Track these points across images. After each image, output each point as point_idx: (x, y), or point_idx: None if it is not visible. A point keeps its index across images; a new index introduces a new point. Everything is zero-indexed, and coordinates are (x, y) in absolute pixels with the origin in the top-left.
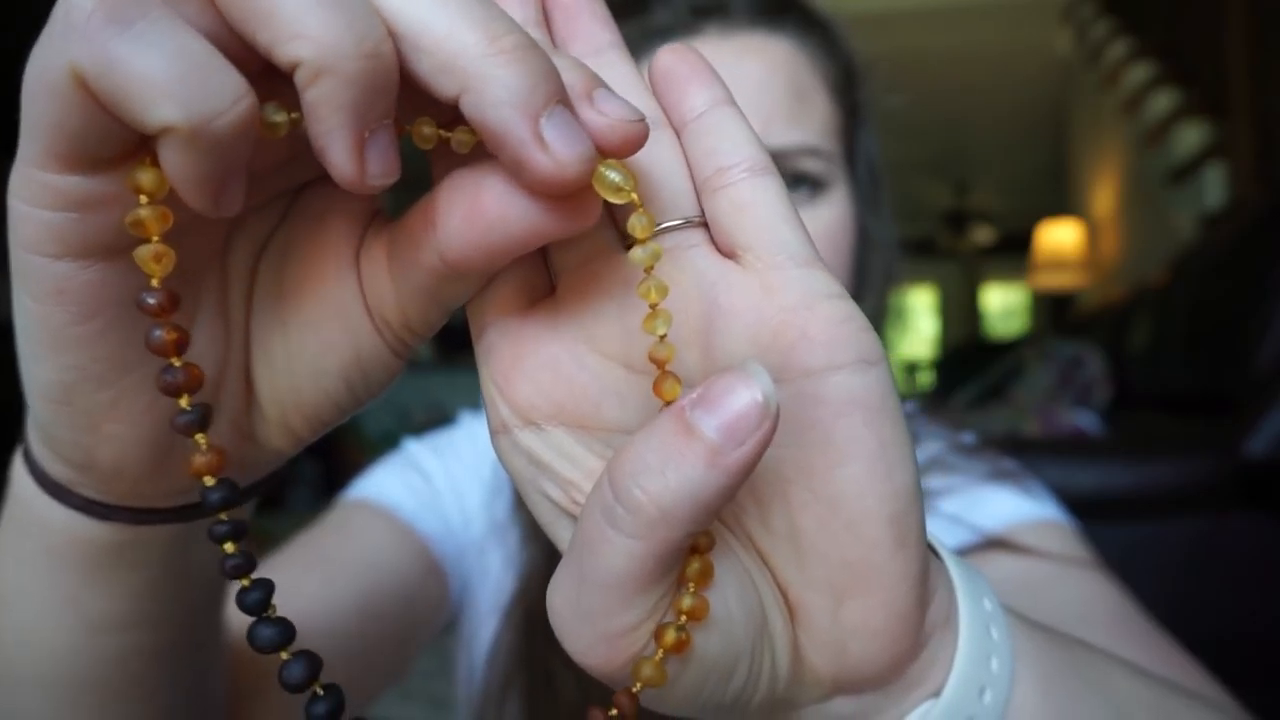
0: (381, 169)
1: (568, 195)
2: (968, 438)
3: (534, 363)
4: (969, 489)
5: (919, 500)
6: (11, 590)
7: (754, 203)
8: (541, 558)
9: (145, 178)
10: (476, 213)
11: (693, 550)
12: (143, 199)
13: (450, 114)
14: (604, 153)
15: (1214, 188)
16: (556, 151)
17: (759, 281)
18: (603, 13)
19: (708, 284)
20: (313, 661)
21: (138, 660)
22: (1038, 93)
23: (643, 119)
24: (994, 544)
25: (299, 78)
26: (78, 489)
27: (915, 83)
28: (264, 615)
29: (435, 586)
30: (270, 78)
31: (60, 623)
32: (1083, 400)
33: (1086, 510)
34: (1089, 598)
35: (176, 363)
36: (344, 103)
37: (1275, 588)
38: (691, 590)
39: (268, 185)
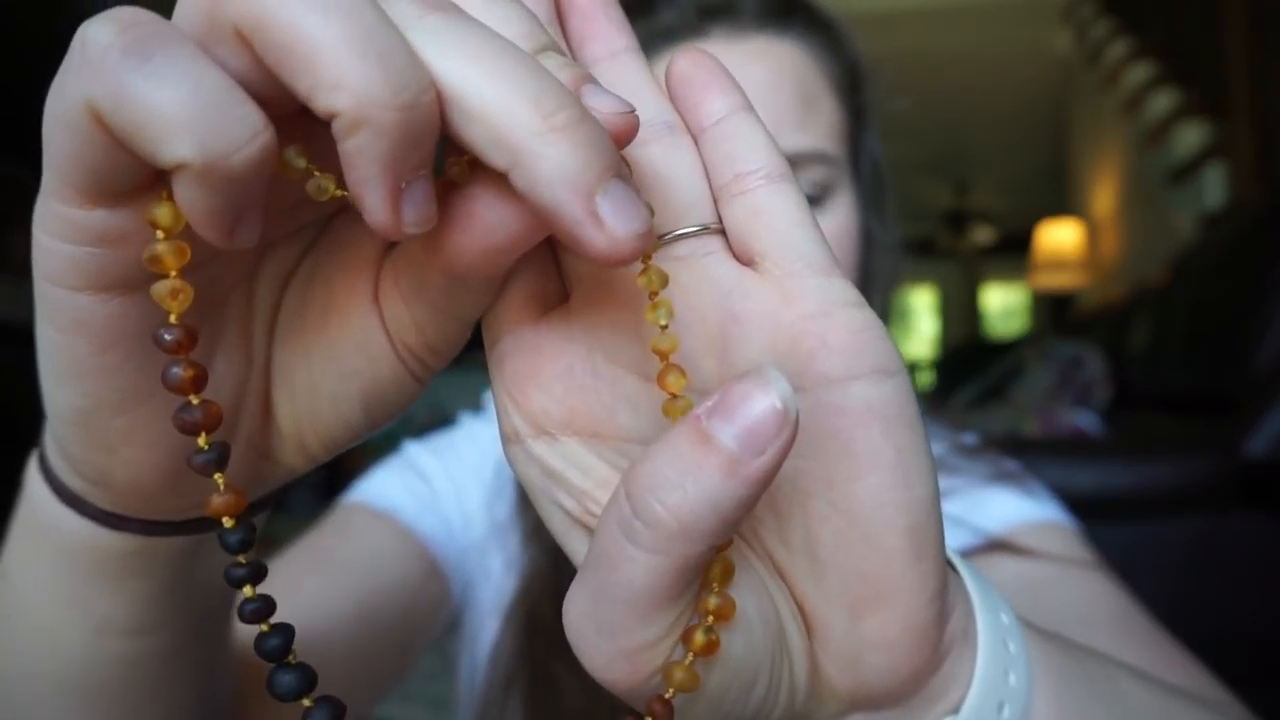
0: (417, 217)
1: None
2: (969, 439)
3: (548, 372)
4: (971, 491)
5: (938, 512)
6: (23, 591)
7: (771, 209)
8: (543, 560)
9: (162, 213)
10: (471, 218)
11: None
12: (159, 234)
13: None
14: None
15: (1214, 188)
16: (612, 229)
17: (777, 289)
18: (618, 17)
19: (724, 291)
20: (336, 708)
21: (147, 664)
22: (1038, 93)
23: (632, 111)
24: (996, 546)
25: (337, 128)
26: (92, 500)
27: (915, 83)
28: (284, 661)
29: (435, 589)
30: (305, 115)
31: (70, 625)
32: (1083, 400)
33: (1086, 510)
34: (1091, 599)
35: (195, 400)
36: (381, 154)
37: (1275, 588)
38: (716, 590)
39: (298, 216)
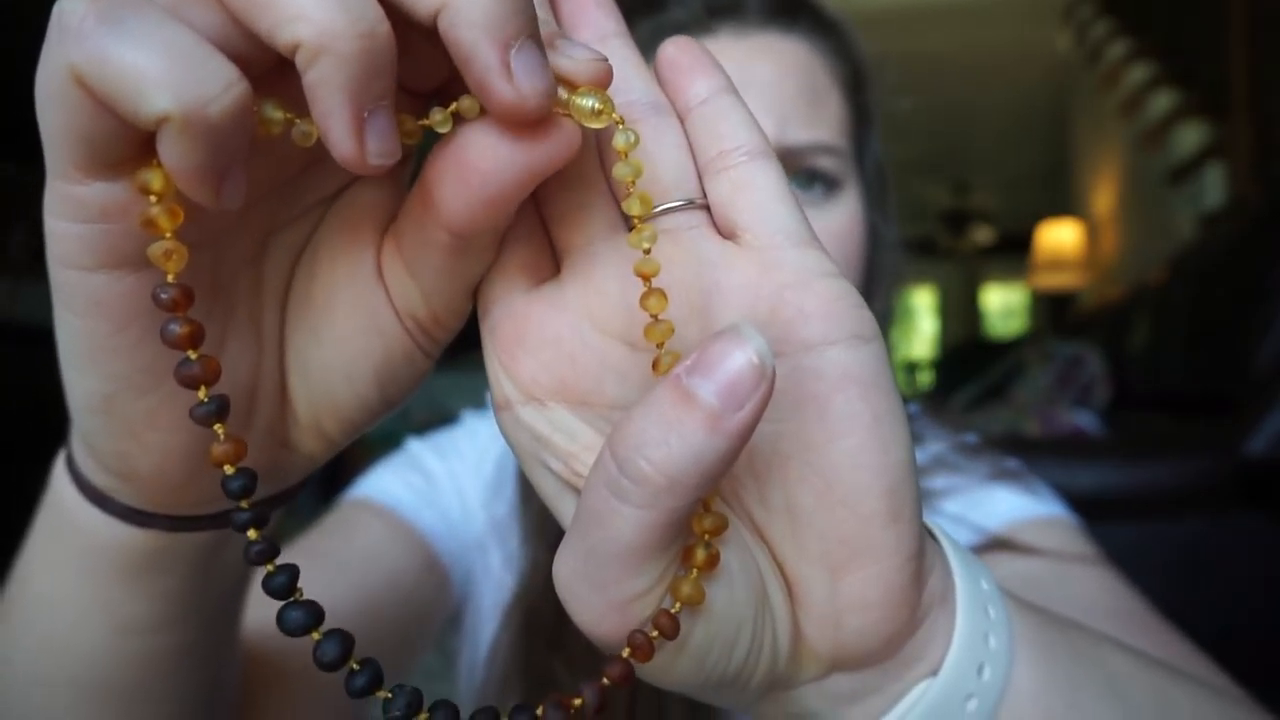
0: (380, 148)
1: (547, 130)
2: (970, 439)
3: (537, 340)
4: (972, 489)
5: (913, 476)
6: (44, 595)
7: (753, 184)
8: (542, 558)
9: (151, 177)
10: (465, 171)
11: (704, 507)
12: (152, 199)
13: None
14: (576, 87)
15: (1213, 188)
16: (520, 83)
17: (757, 260)
18: (608, 3)
19: (708, 263)
20: (345, 639)
21: (162, 661)
22: (1038, 93)
23: (606, 60)
24: (998, 544)
25: (300, 60)
26: (118, 497)
27: (916, 83)
28: (291, 599)
29: (436, 583)
30: (278, 76)
31: (91, 626)
32: (1083, 400)
33: (1086, 510)
34: (1095, 592)
35: (193, 355)
36: (342, 82)
37: (1275, 588)
38: (707, 539)
39: (301, 196)
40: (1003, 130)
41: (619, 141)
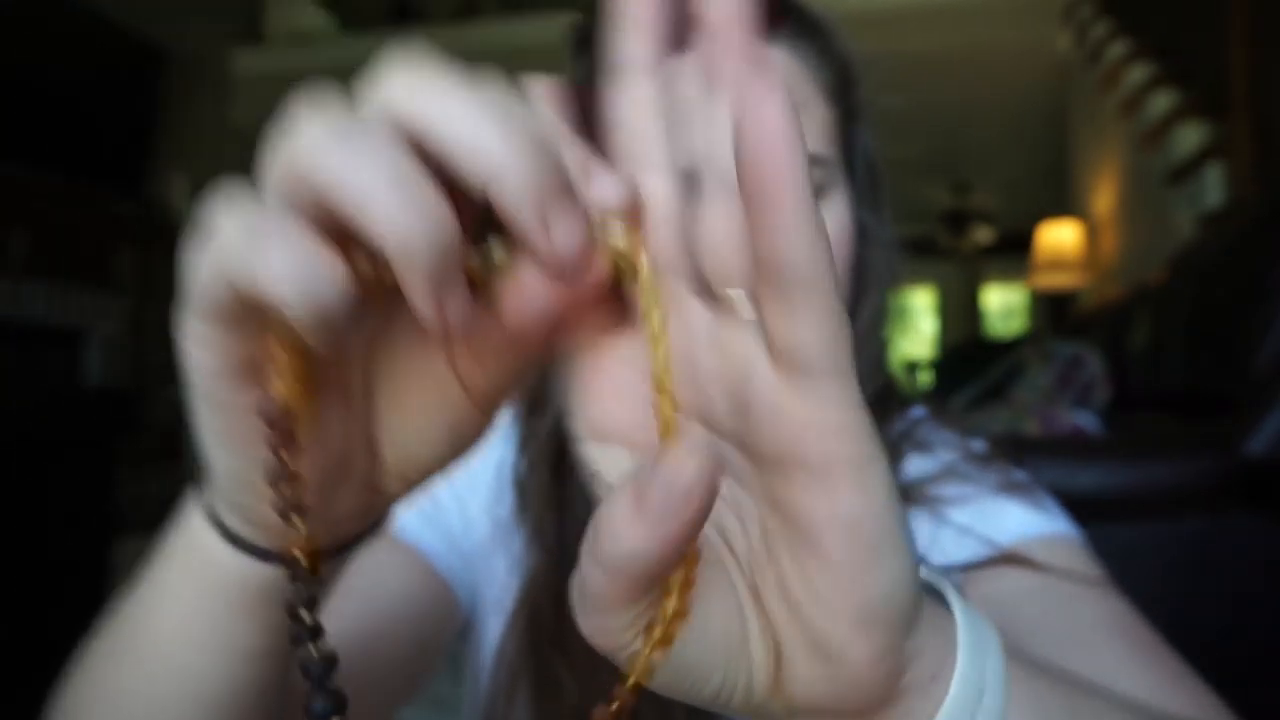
0: (457, 317)
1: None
2: (978, 445)
3: (606, 390)
4: (981, 500)
5: (895, 593)
6: (170, 624)
7: (799, 311)
8: (546, 561)
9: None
10: (524, 303)
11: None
12: (274, 367)
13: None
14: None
15: (1213, 188)
16: (557, 240)
17: (787, 382)
18: (752, 46)
19: (755, 374)
20: None
21: (260, 687)
22: (1038, 93)
23: (635, 189)
24: (1005, 558)
25: (388, 255)
26: (249, 539)
27: (915, 82)
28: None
29: (441, 603)
30: None
31: (211, 653)
32: (1083, 400)
33: (1086, 510)
34: (1099, 616)
35: (286, 491)
36: (421, 271)
37: (1275, 588)
38: (675, 602)
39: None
40: (1003, 130)
41: (651, 325)
